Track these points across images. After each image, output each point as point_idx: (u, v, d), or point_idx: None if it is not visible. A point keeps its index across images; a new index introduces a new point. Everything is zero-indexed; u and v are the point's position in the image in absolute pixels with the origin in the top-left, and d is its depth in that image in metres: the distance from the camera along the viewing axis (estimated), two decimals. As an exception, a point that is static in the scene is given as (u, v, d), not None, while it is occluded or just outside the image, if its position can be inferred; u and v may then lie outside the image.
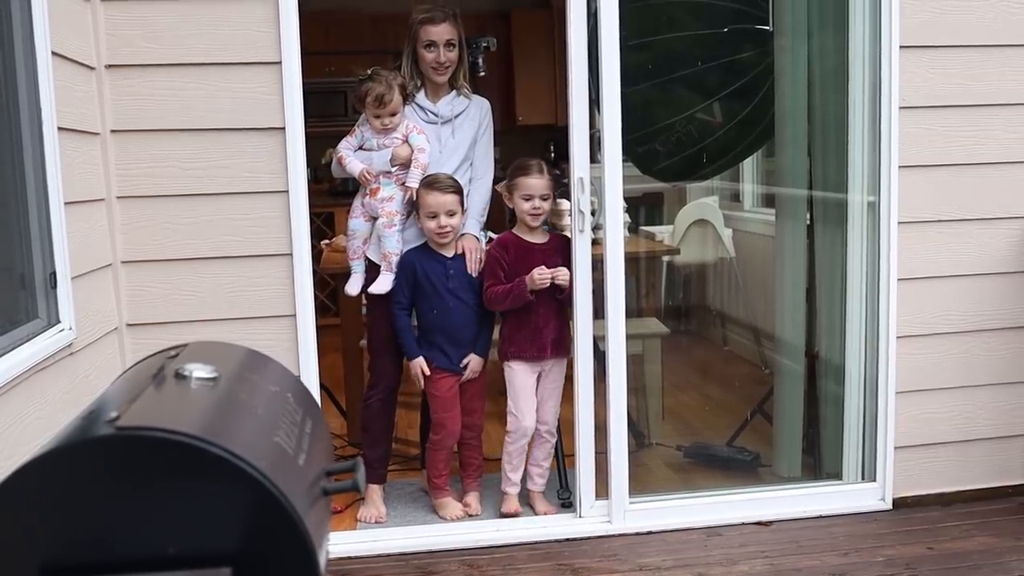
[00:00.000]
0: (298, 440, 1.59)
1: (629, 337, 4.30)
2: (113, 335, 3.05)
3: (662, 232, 5.52)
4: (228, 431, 1.43)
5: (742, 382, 5.03)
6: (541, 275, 3.33)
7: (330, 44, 6.92)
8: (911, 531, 3.36)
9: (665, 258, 5.43)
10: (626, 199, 6.08)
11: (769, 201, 5.21)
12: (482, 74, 4.73)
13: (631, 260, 4.94)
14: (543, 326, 3.45)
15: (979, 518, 3.44)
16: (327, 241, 5.03)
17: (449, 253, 3.49)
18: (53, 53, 2.55)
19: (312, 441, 1.68)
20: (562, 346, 3.51)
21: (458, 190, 3.45)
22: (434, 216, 3.39)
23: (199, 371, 1.60)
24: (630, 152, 4.18)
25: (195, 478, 1.29)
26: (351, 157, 3.49)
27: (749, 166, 5.50)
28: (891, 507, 3.52)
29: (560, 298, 3.42)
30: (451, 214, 3.40)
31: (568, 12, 3.22)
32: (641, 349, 4.29)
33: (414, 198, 3.44)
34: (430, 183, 3.41)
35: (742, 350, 5.44)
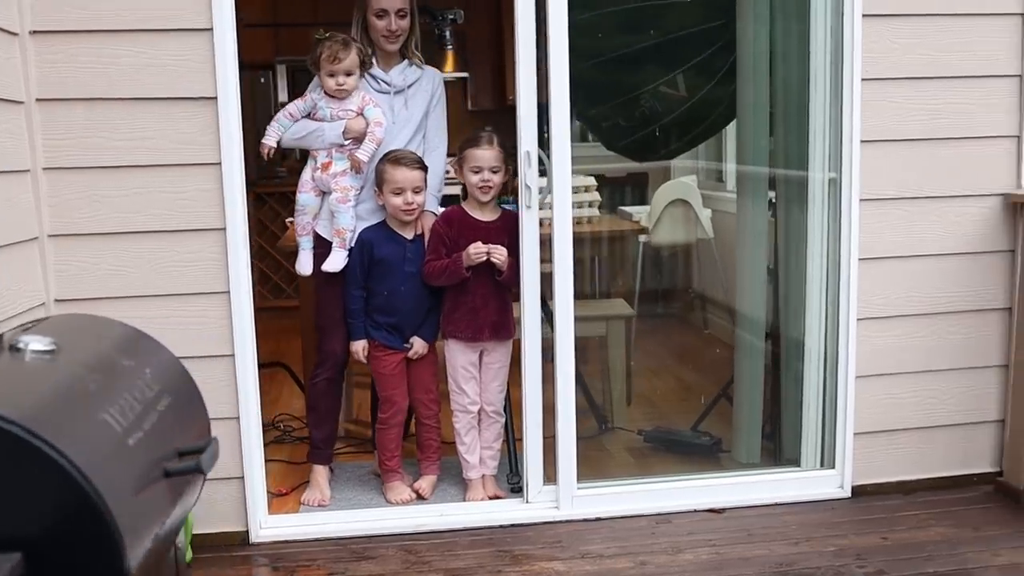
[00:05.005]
0: (138, 418, 1.49)
1: (593, 319, 4.22)
2: (39, 310, 2.96)
3: (640, 212, 5.40)
4: (35, 406, 1.33)
5: (719, 366, 4.90)
6: (476, 251, 3.23)
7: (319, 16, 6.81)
8: (867, 520, 3.24)
9: (642, 239, 5.31)
10: (608, 178, 5.98)
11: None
12: (449, 48, 4.63)
13: (597, 240, 4.86)
14: (480, 307, 3.35)
15: (941, 507, 3.33)
16: (292, 219, 4.92)
17: (409, 234, 3.40)
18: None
19: (161, 420, 1.59)
20: (503, 328, 3.40)
21: (423, 167, 3.35)
22: (400, 192, 3.29)
23: (35, 344, 1.51)
24: (595, 127, 4.08)
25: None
26: (275, 125, 3.39)
27: (732, 145, 5.35)
28: (850, 495, 3.41)
29: (499, 279, 3.31)
30: (417, 191, 3.31)
31: (514, -21, 3.11)
32: (605, 331, 4.18)
33: (362, 170, 3.35)
34: (396, 159, 3.30)
35: (722, 333, 5.31)
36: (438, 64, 5.63)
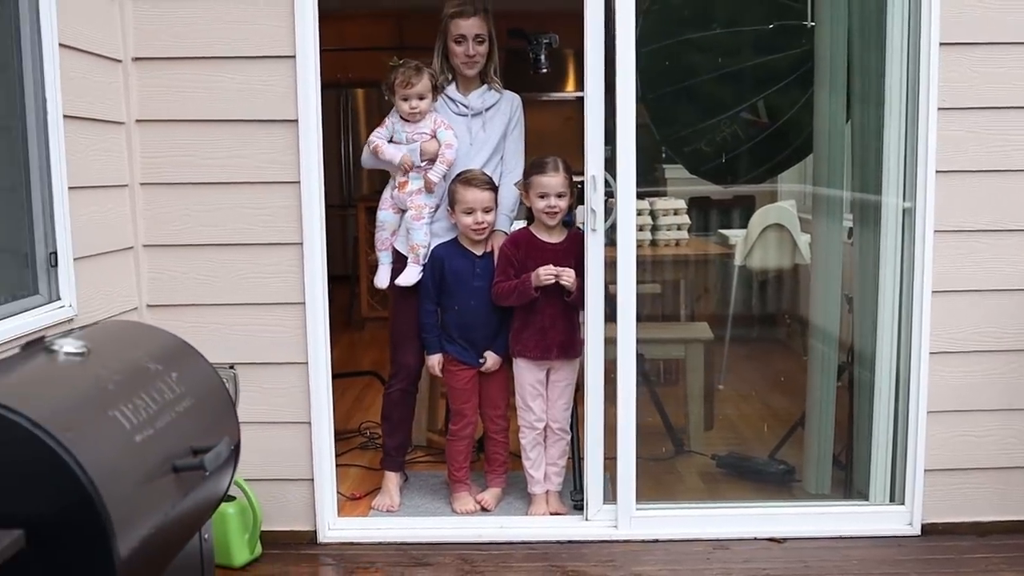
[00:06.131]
0: (151, 417, 1.63)
1: (671, 342, 4.24)
2: (132, 315, 3.20)
3: (738, 236, 5.37)
4: (50, 401, 1.49)
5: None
6: (546, 272, 3.30)
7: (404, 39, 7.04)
8: (932, 560, 3.15)
9: (737, 263, 5.28)
10: (714, 200, 5.95)
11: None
12: (544, 71, 4.72)
13: (685, 263, 4.87)
14: (549, 327, 3.42)
15: (1016, 552, 3.20)
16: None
17: (479, 251, 3.51)
18: (63, 45, 2.70)
19: (179, 420, 1.73)
20: (571, 348, 3.46)
21: (494, 188, 3.47)
22: (471, 212, 3.41)
23: (68, 346, 1.68)
24: (678, 152, 4.11)
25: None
26: (388, 145, 3.54)
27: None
28: (919, 533, 3.31)
29: (568, 300, 3.37)
30: (487, 211, 3.43)
31: (585, 9, 3.19)
32: (684, 354, 4.19)
33: (432, 190, 3.48)
34: (467, 179, 3.43)
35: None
36: (560, 84, 5.71)
